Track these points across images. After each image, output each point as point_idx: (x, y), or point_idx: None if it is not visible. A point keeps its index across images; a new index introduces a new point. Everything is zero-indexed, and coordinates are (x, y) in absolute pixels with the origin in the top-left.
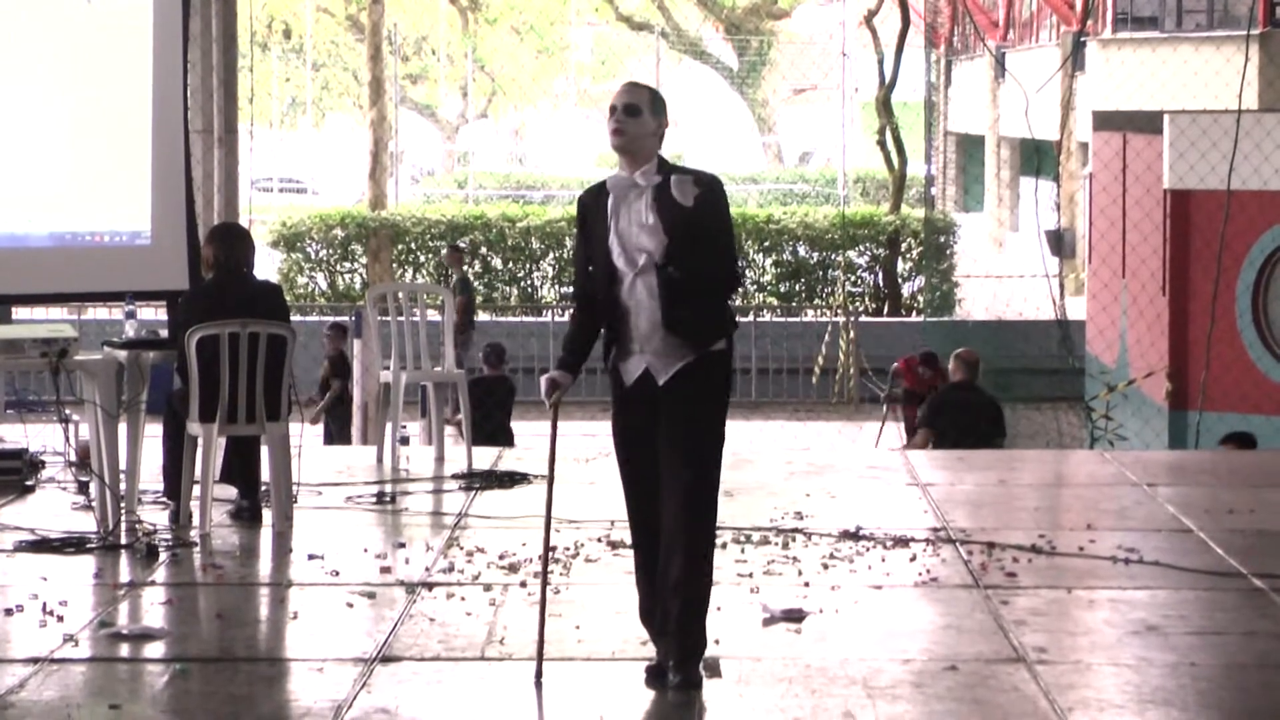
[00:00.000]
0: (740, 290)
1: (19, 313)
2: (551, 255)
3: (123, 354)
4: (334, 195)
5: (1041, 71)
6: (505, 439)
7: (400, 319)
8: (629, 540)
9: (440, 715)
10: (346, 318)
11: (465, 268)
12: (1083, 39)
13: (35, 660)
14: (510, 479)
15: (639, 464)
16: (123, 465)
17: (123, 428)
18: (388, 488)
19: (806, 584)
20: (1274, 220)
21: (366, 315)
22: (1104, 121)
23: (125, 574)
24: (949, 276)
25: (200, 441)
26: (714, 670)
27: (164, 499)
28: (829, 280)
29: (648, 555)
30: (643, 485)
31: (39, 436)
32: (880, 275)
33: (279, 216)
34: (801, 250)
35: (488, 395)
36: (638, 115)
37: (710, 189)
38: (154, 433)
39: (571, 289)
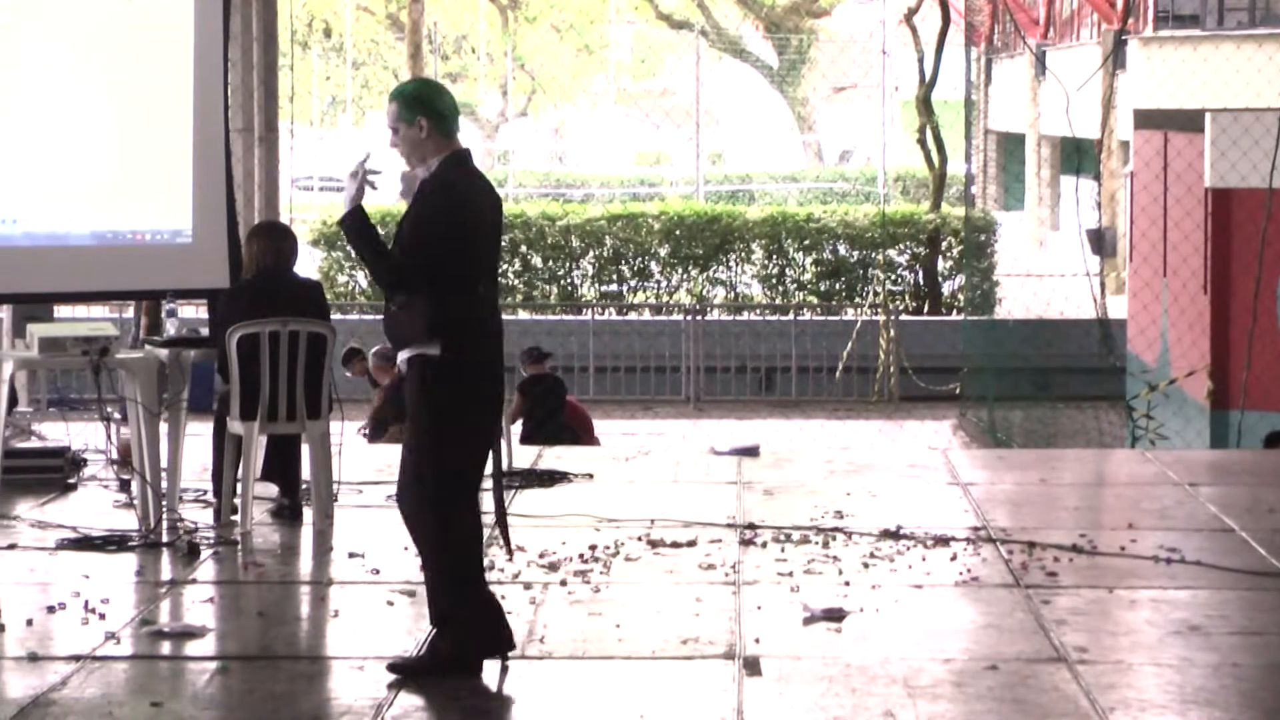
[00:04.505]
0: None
1: (61, 311)
2: (591, 254)
3: (164, 352)
4: (375, 194)
5: (1082, 70)
6: (570, 436)
7: None
8: (669, 539)
9: (481, 714)
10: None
11: None
12: (1124, 37)
13: (77, 658)
14: (550, 478)
15: (404, 445)
16: (164, 463)
17: (164, 426)
18: None
19: (847, 583)
20: None
21: None
22: (1145, 120)
23: (167, 572)
24: (989, 275)
25: (242, 440)
26: (754, 668)
27: (210, 497)
28: (869, 279)
29: None
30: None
31: (80, 435)
32: (920, 274)
33: (319, 215)
34: (841, 249)
35: (548, 394)
36: (397, 133)
37: (422, 191)
38: (195, 431)
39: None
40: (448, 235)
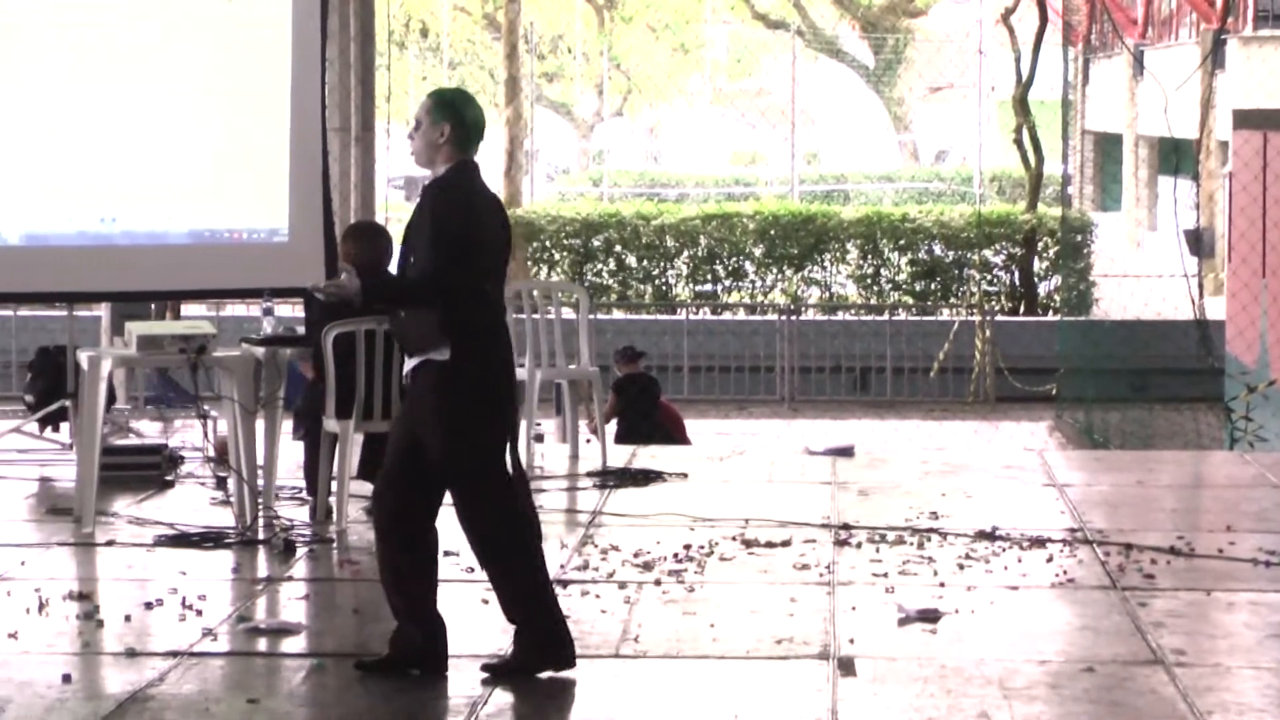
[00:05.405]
0: (457, 298)
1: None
2: (685, 253)
3: (260, 350)
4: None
5: (1181, 69)
6: (663, 436)
7: (535, 316)
8: (764, 539)
9: (575, 713)
10: None
11: None
12: (1223, 36)
13: (175, 654)
14: (645, 477)
15: (394, 451)
16: (260, 461)
17: (260, 424)
18: None
19: (942, 584)
20: None
21: None
22: (1244, 119)
23: (263, 569)
24: (1086, 276)
25: (338, 438)
26: (848, 669)
27: (305, 495)
28: (964, 279)
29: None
30: (398, 474)
31: (178, 432)
32: (1016, 274)
33: None
34: (937, 249)
35: (643, 394)
36: (419, 128)
37: (429, 194)
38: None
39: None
40: (458, 236)
